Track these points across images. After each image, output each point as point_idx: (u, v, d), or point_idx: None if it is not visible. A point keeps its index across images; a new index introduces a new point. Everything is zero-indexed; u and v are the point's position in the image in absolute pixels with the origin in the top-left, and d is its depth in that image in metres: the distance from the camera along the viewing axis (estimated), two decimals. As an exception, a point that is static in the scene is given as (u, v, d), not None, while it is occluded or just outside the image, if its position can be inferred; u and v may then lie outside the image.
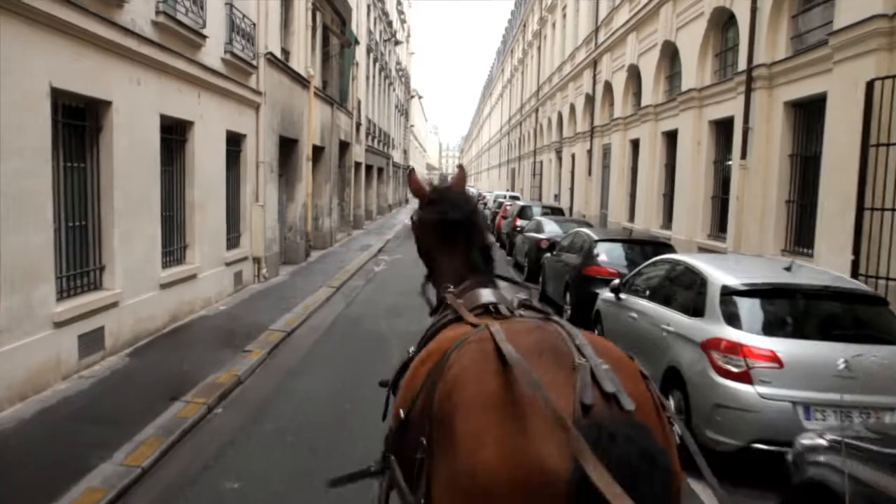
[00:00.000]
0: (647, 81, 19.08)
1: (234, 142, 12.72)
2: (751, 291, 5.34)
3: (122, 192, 8.14)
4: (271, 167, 14.46)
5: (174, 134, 10.15)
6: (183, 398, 6.72)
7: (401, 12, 48.21)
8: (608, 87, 24.07)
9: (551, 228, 16.20)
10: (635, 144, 20.69)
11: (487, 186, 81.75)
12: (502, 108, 69.86)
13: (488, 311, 2.85)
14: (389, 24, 40.24)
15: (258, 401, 7.16)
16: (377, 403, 3.46)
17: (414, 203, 4.05)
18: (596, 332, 8.60)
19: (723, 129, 14.40)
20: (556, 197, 34.80)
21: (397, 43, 42.07)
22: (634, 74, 20.90)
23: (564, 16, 32.91)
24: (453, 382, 2.16)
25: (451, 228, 3.23)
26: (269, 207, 14.32)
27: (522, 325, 2.43)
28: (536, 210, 21.37)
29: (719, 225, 14.64)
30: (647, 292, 6.95)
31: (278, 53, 14.94)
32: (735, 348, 4.97)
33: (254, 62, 13.05)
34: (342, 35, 21.28)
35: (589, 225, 17.28)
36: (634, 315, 6.93)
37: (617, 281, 7.65)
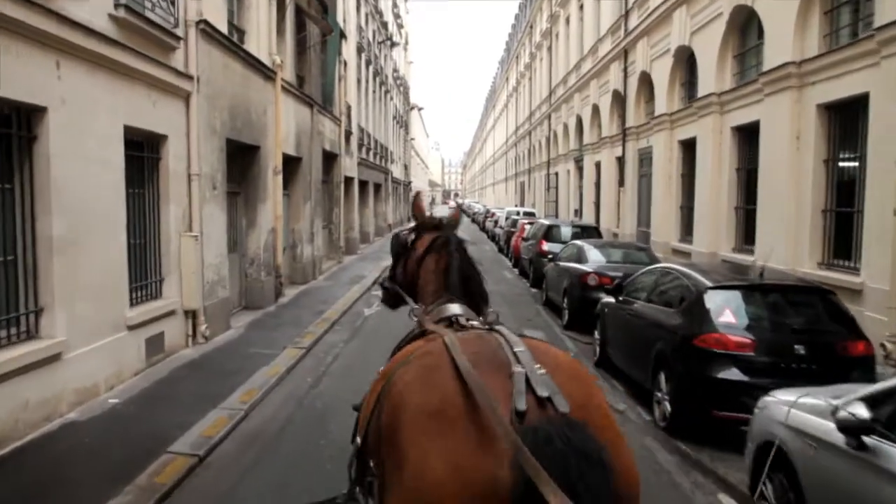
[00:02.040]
0: (705, 65, 15.05)
1: (146, 145, 8.72)
2: None
3: None
4: (213, 182, 10.43)
5: (8, 127, 6.14)
6: None
7: (397, 16, 44.46)
8: (645, 79, 20.06)
9: (597, 257, 12.13)
10: (688, 146, 16.64)
11: (493, 202, 77.71)
12: (507, 119, 66.07)
13: (451, 322, 2.82)
14: (384, 25, 36.44)
15: None
16: None
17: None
18: (768, 488, 4.44)
19: (840, 114, 10.37)
20: (577, 212, 30.77)
21: (393, 45, 38.24)
22: (684, 59, 16.91)
23: (581, 6, 29.01)
24: (398, 399, 2.17)
25: (443, 248, 3.31)
26: (211, 237, 10.29)
27: (464, 336, 2.41)
28: (566, 230, 17.29)
29: (835, 249, 10.57)
30: None
31: (224, 28, 10.96)
32: None
33: (177, 31, 9.07)
34: (322, 19, 17.34)
35: (643, 249, 13.17)
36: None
37: (861, 414, 3.40)
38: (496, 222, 34.38)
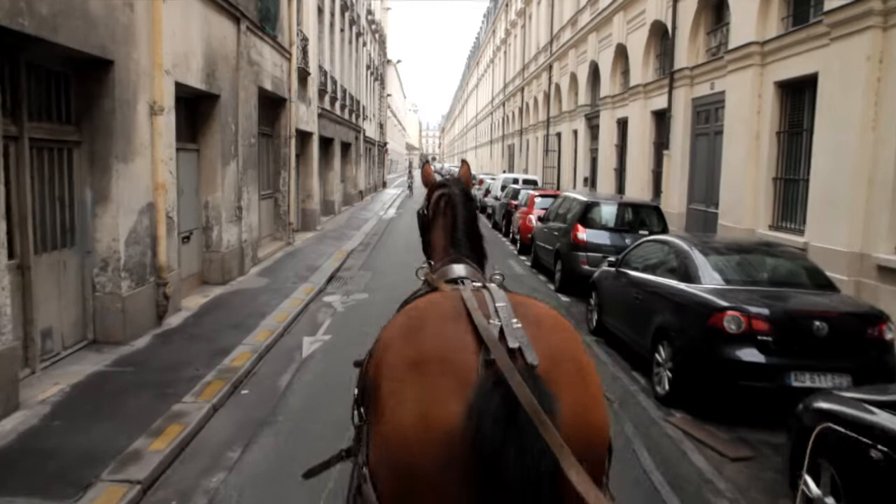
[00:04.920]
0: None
1: None
2: None
3: None
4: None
5: None
6: None
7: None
8: (708, 1, 14.59)
9: (716, 273, 6.57)
10: (795, 88, 11.28)
11: (476, 167, 72.02)
12: (494, 75, 60.09)
13: (457, 284, 2.74)
14: (356, -49, 30.36)
15: None
16: None
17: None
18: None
19: None
20: (587, 181, 25.41)
21: (367, -25, 32.12)
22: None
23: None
24: (381, 352, 2.24)
25: (447, 204, 3.25)
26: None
27: (449, 293, 2.41)
28: (609, 211, 11.84)
29: None
30: None
31: None
32: None
33: None
34: None
35: (786, 254, 7.68)
36: None
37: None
38: (487, 191, 28.83)
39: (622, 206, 11.83)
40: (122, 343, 7.54)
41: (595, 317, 9.07)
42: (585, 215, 11.49)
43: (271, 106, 15.72)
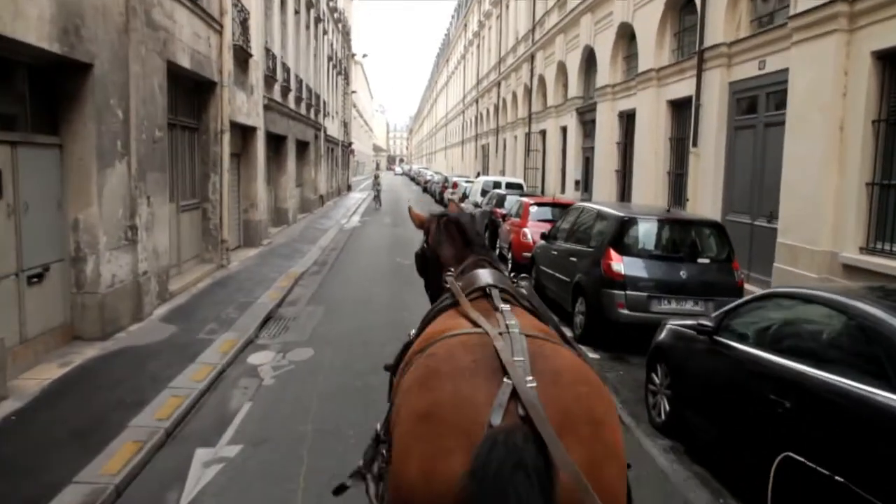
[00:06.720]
0: None
1: None
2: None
3: None
4: None
5: None
6: None
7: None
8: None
9: None
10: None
11: (445, 168, 68.66)
12: (465, 71, 56.82)
13: (485, 293, 2.77)
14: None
15: None
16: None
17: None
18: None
19: None
20: (578, 184, 22.19)
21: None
22: None
23: None
24: (401, 400, 2.24)
25: (448, 222, 3.40)
26: None
27: (469, 340, 2.30)
28: (649, 229, 8.50)
29: None
30: None
31: None
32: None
33: None
34: None
35: None
36: None
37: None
38: (465, 196, 25.46)
39: (670, 224, 8.49)
40: None
41: (664, 404, 5.73)
42: (621, 237, 8.14)
43: (195, 90, 12.20)
